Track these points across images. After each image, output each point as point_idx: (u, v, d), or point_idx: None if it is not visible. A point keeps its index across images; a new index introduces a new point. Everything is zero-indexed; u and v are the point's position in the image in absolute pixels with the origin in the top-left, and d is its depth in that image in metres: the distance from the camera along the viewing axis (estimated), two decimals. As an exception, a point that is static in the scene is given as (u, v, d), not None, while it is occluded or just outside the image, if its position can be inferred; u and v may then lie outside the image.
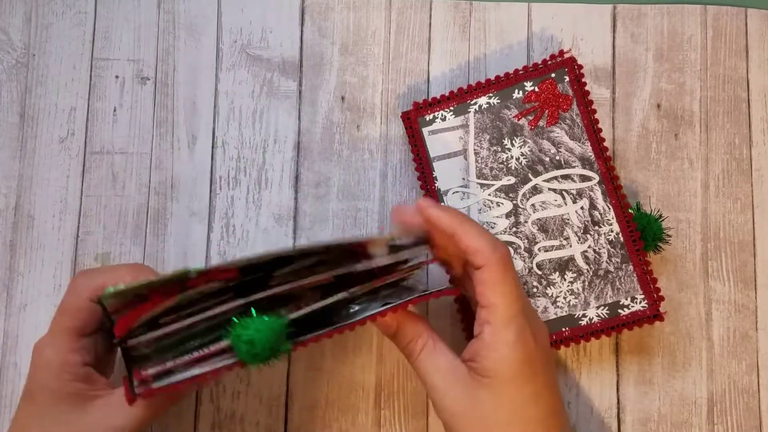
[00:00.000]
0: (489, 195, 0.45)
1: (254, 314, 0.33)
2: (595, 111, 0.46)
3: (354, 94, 0.50)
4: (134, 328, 0.33)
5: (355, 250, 0.37)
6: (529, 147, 0.46)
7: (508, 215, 0.45)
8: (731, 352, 0.48)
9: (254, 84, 0.50)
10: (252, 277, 0.34)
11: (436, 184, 0.46)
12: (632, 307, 0.44)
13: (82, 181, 0.48)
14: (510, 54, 0.50)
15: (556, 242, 0.45)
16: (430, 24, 0.51)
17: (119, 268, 0.37)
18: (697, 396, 0.48)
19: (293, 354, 0.47)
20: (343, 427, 0.47)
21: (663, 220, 0.46)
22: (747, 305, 0.49)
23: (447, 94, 0.47)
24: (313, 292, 0.36)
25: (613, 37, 0.51)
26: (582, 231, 0.45)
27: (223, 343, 0.33)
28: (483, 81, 0.47)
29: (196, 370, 0.32)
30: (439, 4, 0.51)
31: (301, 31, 0.50)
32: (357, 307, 0.37)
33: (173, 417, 0.46)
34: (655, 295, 0.44)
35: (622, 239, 0.44)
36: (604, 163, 0.45)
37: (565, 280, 0.44)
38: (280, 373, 0.47)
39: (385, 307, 0.36)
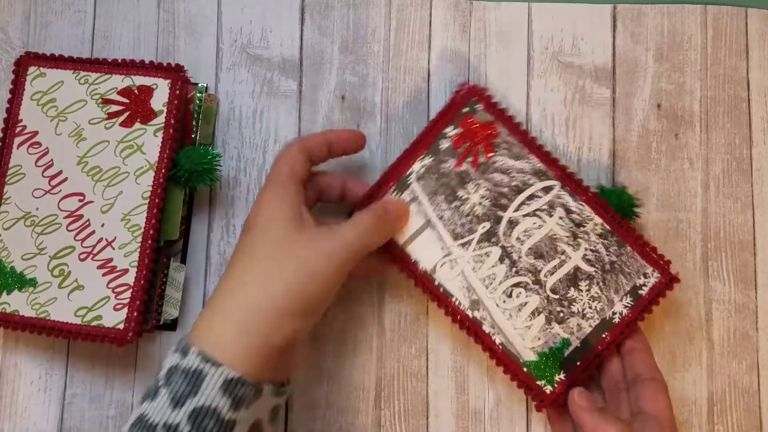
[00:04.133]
0: (473, 251, 0.44)
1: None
2: (519, 123, 0.45)
3: (354, 93, 0.50)
4: None
5: None
6: (484, 187, 0.45)
7: (501, 260, 0.44)
8: (731, 352, 0.48)
9: (254, 84, 0.50)
10: None
11: (420, 267, 0.44)
12: (648, 282, 0.44)
13: (82, 180, 0.48)
14: (510, 54, 0.50)
15: (556, 261, 0.44)
16: (430, 21, 0.51)
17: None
18: (697, 396, 0.48)
19: (293, 354, 0.47)
20: (343, 427, 0.47)
21: (628, 189, 0.47)
22: (747, 305, 0.49)
23: (376, 184, 0.45)
24: None
25: (613, 37, 0.51)
26: (572, 239, 0.44)
27: None
28: (402, 152, 0.45)
29: None
30: (439, 3, 0.51)
31: (301, 30, 0.50)
32: None
33: (173, 417, 0.46)
34: (661, 262, 0.44)
35: (608, 227, 0.44)
36: (556, 165, 0.45)
37: (581, 291, 0.44)
38: (280, 373, 0.47)
39: None
